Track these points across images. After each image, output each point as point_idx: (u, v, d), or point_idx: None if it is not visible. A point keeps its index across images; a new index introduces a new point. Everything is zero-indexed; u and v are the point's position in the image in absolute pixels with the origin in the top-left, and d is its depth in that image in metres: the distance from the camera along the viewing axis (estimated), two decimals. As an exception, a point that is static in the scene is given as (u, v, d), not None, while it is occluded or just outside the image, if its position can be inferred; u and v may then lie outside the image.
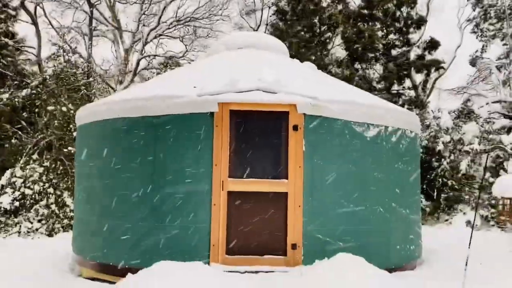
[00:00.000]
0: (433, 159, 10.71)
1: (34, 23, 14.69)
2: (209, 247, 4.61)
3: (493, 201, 8.44)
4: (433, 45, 17.66)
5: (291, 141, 4.76)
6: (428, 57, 17.76)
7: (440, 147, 10.70)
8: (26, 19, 15.85)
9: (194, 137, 4.74)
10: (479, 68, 17.36)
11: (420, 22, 17.81)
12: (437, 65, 17.72)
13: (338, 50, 18.67)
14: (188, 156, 4.73)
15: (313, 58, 17.21)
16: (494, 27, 18.59)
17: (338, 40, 18.40)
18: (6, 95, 11.80)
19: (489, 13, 18.40)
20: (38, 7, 15.01)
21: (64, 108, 10.75)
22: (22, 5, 13.90)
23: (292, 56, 7.10)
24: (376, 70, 18.46)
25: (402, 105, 17.10)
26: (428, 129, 11.76)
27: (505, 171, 9.21)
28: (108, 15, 18.40)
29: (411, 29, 17.91)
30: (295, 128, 4.75)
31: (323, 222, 4.77)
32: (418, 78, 18.55)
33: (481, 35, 19.03)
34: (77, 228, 5.81)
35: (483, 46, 19.21)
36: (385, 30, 17.78)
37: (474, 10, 19.15)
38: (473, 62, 18.95)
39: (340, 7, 18.19)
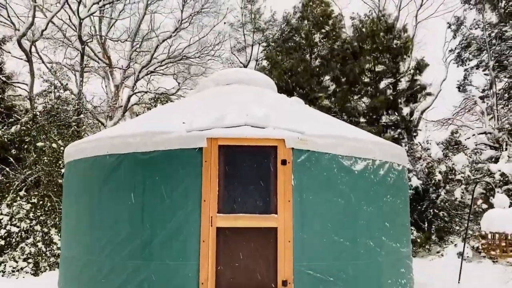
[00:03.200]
0: (429, 190, 10.72)
1: (29, 60, 14.81)
2: (198, 285, 4.52)
3: (477, 233, 8.45)
4: (420, 67, 17.99)
5: (279, 176, 4.77)
6: (417, 78, 17.99)
7: (438, 177, 10.74)
8: (16, 54, 16.03)
9: (183, 173, 4.74)
10: (465, 99, 17.79)
11: (409, 52, 18.23)
12: (424, 91, 18.01)
13: (329, 82, 18.98)
14: (177, 192, 4.72)
15: (303, 92, 17.50)
16: (475, 58, 19.11)
17: (329, 74, 18.74)
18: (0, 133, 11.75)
19: (470, 43, 18.95)
20: (32, 45, 15.19)
21: (54, 145, 10.71)
22: (18, 43, 14.05)
23: (283, 89, 7.23)
24: (364, 103, 18.75)
25: (392, 138, 17.29)
26: (420, 160, 11.84)
27: (491, 204, 9.24)
28: (98, 51, 18.64)
29: (399, 58, 18.27)
30: (284, 162, 4.78)
31: (314, 257, 4.72)
32: (406, 109, 18.86)
33: (462, 64, 19.54)
34: (64, 266, 5.68)
35: (465, 76, 19.68)
36: (372, 63, 18.18)
37: (454, 37, 19.68)
38: (461, 89, 19.42)
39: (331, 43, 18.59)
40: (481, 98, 18.34)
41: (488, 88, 17.85)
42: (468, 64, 19.36)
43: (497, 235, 7.81)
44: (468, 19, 19.25)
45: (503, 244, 7.80)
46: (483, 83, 19.13)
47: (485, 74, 18.41)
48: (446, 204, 10.26)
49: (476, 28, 18.77)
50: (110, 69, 18.53)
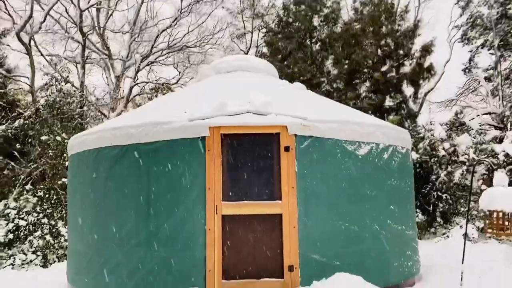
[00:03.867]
0: (433, 170, 10.69)
1: (29, 53, 14.78)
2: (205, 272, 4.56)
3: (482, 214, 8.44)
4: (424, 50, 17.77)
5: (283, 162, 4.77)
6: (420, 61, 17.77)
7: (441, 153, 10.69)
8: (16, 48, 16.01)
9: (186, 162, 4.75)
10: (469, 80, 17.63)
11: (412, 33, 17.98)
12: (427, 73, 17.78)
13: (330, 67, 18.84)
14: (181, 181, 4.73)
15: (305, 78, 17.39)
16: (481, 37, 18.80)
17: (330, 59, 18.56)
18: (3, 127, 11.78)
19: (476, 22, 18.64)
20: (31, 38, 15.15)
21: (58, 138, 10.75)
22: (17, 36, 14.00)
23: (284, 75, 7.19)
24: (367, 86, 18.62)
25: (395, 121, 17.20)
26: (423, 140, 11.78)
27: (491, 181, 9.17)
28: (96, 41, 18.55)
29: (402, 41, 18.01)
30: (287, 149, 4.77)
31: (319, 242, 4.75)
32: (409, 92, 18.73)
33: (468, 43, 19.24)
34: (71, 258, 5.75)
35: (470, 58, 19.42)
36: (375, 46, 17.97)
37: (462, 15, 19.36)
38: (467, 71, 19.21)
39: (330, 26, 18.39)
40: (486, 78, 18.16)
41: (493, 68, 17.64)
42: (475, 43, 19.05)
43: (495, 213, 7.81)
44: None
45: (501, 222, 7.81)
46: (488, 63, 18.91)
47: (490, 54, 18.14)
48: (450, 185, 10.25)
49: (484, 5, 18.40)
50: (111, 60, 18.45)
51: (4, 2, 14.73)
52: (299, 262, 4.63)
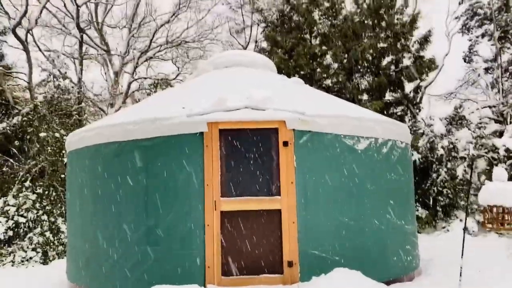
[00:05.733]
0: (433, 166, 10.66)
1: (25, 49, 14.70)
2: (204, 269, 4.55)
3: (482, 208, 8.45)
4: (423, 43, 17.66)
5: (282, 157, 4.75)
6: (421, 54, 17.67)
7: (440, 151, 10.67)
8: (13, 44, 15.93)
9: (185, 158, 4.73)
10: (469, 72, 17.57)
11: (410, 26, 17.85)
12: (427, 67, 17.64)
13: (329, 61, 18.73)
14: (180, 177, 4.71)
15: (305, 72, 17.30)
16: (481, 27, 18.66)
17: (330, 53, 18.46)
18: (4, 124, 11.73)
19: (476, 11, 18.50)
20: (28, 33, 15.05)
21: (57, 134, 10.72)
22: (14, 31, 13.90)
23: (281, 70, 7.14)
24: (366, 80, 18.52)
25: (396, 115, 17.13)
26: (422, 136, 11.75)
27: (490, 177, 9.15)
28: (95, 36, 18.46)
29: (401, 35, 17.88)
30: (285, 144, 4.75)
31: (318, 237, 4.74)
32: (409, 86, 18.63)
33: (468, 32, 19.09)
34: (71, 255, 5.74)
35: (470, 46, 19.27)
36: (374, 39, 17.84)
37: (461, 3, 19.21)
38: (467, 60, 19.08)
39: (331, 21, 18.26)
40: (486, 69, 18.08)
41: (493, 60, 17.55)
42: (475, 32, 18.92)
43: (494, 209, 7.83)
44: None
45: (500, 217, 7.83)
46: (487, 55, 18.82)
47: (491, 45, 18.04)
48: (449, 181, 10.23)
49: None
50: (109, 56, 18.37)
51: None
52: (298, 258, 4.62)
